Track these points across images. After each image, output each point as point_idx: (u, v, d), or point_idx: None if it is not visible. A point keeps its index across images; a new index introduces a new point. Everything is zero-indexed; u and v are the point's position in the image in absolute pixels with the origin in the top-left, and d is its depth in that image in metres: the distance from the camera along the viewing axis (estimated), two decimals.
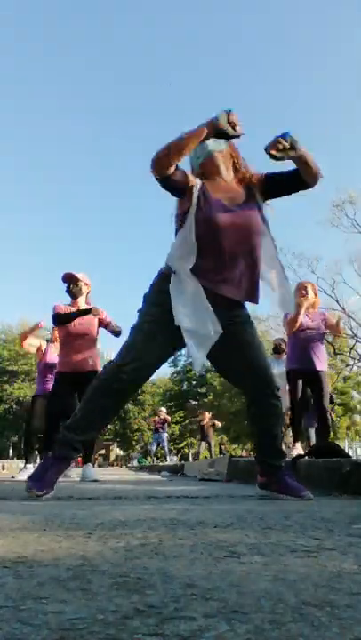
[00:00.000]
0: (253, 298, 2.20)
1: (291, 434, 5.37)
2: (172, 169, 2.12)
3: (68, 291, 4.60)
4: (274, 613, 0.54)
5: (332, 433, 4.91)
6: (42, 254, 61.45)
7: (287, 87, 58.55)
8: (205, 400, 33.79)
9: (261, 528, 1.18)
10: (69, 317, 4.49)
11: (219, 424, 14.08)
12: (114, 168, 66.24)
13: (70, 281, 4.59)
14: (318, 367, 4.67)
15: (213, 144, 2.25)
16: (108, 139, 66.28)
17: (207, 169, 2.29)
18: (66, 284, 4.62)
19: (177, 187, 2.18)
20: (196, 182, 2.23)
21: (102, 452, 44.80)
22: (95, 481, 4.28)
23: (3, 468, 6.34)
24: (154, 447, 14.66)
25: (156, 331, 2.15)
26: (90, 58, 62.87)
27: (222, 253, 2.13)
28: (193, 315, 2.08)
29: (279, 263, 2.26)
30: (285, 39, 56.31)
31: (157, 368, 2.22)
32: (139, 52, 62.87)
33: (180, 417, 35.73)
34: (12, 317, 63.60)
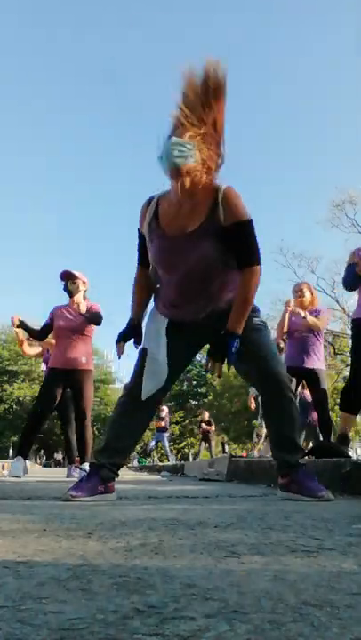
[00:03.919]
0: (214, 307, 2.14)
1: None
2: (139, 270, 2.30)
3: (65, 288, 4.66)
4: (274, 613, 0.54)
5: (332, 433, 4.90)
6: (42, 254, 61.53)
7: (288, 86, 58.62)
8: (205, 400, 33.75)
9: (261, 528, 1.18)
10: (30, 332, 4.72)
11: (213, 429, 14.02)
12: (115, 168, 66.36)
13: (68, 278, 4.65)
14: (310, 365, 4.67)
15: (178, 152, 1.87)
16: (109, 134, 66.36)
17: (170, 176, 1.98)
18: (63, 282, 4.68)
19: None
20: (146, 215, 2.14)
21: None
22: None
23: (3, 468, 6.33)
24: (152, 444, 14.72)
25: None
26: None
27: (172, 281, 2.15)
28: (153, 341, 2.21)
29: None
30: (286, 36, 56.39)
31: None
32: (139, 53, 62.94)
33: (180, 417, 35.72)
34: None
